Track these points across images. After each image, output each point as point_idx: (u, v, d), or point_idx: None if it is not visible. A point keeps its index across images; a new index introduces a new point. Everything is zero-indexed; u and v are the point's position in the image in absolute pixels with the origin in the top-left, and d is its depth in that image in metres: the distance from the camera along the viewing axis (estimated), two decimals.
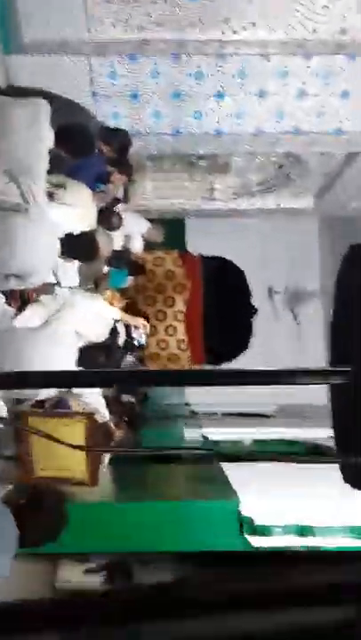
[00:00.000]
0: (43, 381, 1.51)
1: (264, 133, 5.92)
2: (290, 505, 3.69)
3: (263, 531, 3.45)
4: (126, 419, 5.29)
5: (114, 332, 4.45)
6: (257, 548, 3.47)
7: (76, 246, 3.46)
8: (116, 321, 4.49)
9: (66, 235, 3.45)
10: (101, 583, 5.84)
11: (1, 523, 1.98)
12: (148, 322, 7.10)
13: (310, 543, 3.54)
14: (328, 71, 5.58)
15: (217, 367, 8.16)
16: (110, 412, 4.79)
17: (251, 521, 3.49)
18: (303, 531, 3.53)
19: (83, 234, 3.60)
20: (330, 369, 1.22)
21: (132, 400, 5.78)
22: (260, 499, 3.68)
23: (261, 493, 3.76)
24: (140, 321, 5.17)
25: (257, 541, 3.47)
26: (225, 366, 8.28)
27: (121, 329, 4.69)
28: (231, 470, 4.19)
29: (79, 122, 3.73)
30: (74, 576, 5.46)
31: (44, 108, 3.30)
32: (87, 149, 3.79)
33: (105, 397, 4.86)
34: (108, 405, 4.79)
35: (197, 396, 8.22)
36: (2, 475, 3.41)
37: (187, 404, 8.26)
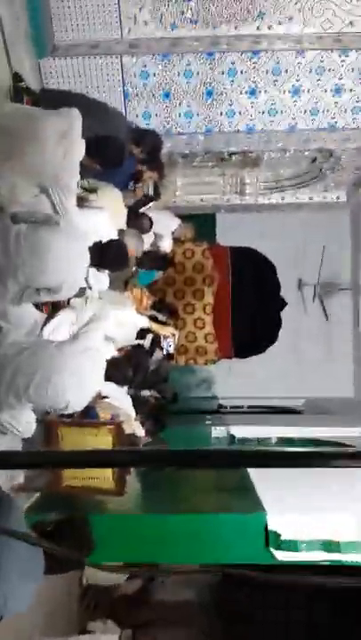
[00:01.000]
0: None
1: (298, 130, 5.81)
2: (316, 519, 3.68)
3: (289, 546, 3.45)
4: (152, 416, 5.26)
5: (141, 336, 4.44)
6: (282, 562, 3.48)
7: (107, 258, 3.44)
8: (146, 330, 4.48)
9: (95, 244, 3.42)
10: (126, 579, 5.99)
11: (31, 553, 2.01)
12: (177, 315, 7.11)
13: (336, 558, 3.53)
14: None
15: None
16: (137, 412, 4.81)
17: (277, 535, 3.49)
18: (329, 546, 3.51)
19: (112, 243, 3.57)
20: None
21: (158, 396, 5.76)
22: (286, 512, 3.67)
23: (287, 506, 3.75)
24: (170, 330, 5.15)
25: (283, 556, 3.47)
26: (252, 359, 8.26)
27: (148, 335, 4.68)
28: (258, 477, 4.18)
29: (110, 132, 3.69)
30: (100, 573, 5.58)
31: (77, 120, 3.26)
32: (117, 162, 3.76)
33: (133, 397, 4.88)
34: (134, 405, 4.82)
35: (225, 390, 8.22)
36: (30, 483, 3.47)
37: (214, 397, 8.27)
